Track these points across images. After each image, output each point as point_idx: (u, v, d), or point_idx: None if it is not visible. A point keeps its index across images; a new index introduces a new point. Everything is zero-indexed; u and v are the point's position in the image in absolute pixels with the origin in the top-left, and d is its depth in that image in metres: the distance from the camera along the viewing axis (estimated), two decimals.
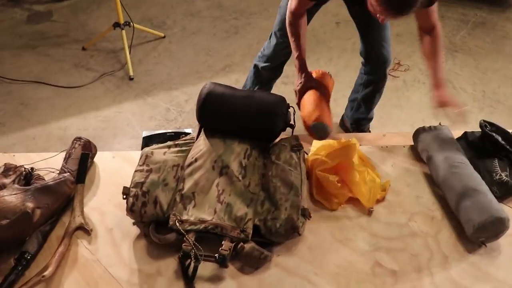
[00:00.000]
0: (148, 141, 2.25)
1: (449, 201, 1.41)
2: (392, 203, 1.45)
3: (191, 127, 2.36)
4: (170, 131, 2.32)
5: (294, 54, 1.83)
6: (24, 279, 1.19)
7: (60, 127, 2.61)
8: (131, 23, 3.17)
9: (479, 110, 2.75)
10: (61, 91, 2.92)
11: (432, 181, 1.52)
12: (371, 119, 2.49)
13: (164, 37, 3.48)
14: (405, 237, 1.35)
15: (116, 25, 3.10)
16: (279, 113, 1.44)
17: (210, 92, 1.44)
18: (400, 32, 3.46)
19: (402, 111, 2.64)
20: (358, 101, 2.39)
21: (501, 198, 1.41)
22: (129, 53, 3.09)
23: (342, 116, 2.64)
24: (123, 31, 3.08)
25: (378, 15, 1.49)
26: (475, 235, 1.29)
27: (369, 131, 2.52)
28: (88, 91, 2.89)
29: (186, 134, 2.27)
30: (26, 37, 3.53)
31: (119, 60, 3.20)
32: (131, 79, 2.99)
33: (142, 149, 1.46)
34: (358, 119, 2.47)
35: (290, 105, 1.50)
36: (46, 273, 1.17)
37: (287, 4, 1.83)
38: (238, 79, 3.02)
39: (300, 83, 1.77)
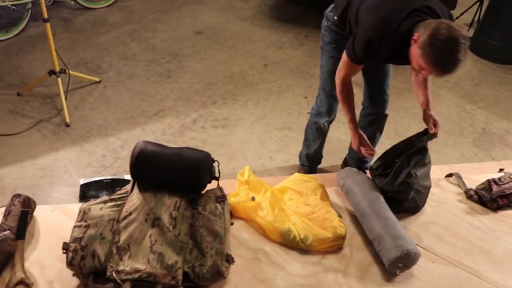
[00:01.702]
0: (85, 188, 2.33)
1: (368, 234, 1.65)
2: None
3: (126, 173, 2.47)
4: (107, 178, 2.42)
5: (347, 117, 2.11)
6: None
7: None
8: (67, 70, 3.24)
9: (390, 146, 3.05)
10: None
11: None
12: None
13: (99, 81, 3.57)
14: (318, 274, 1.54)
15: (52, 72, 3.17)
16: (203, 167, 1.60)
17: (141, 151, 1.59)
18: None
19: (324, 151, 2.87)
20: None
21: None
22: (65, 99, 3.16)
23: (345, 158, 2.87)
24: (59, 78, 3.15)
25: (422, 71, 1.71)
26: (391, 268, 1.52)
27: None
28: (24, 139, 2.92)
29: (123, 180, 2.38)
30: None
31: (55, 106, 3.25)
32: (67, 125, 3.05)
33: (80, 197, 1.56)
34: (361, 158, 2.64)
35: (214, 159, 1.67)
36: None
37: (327, 64, 2.15)
38: (171, 123, 3.16)
39: (358, 142, 2.12)
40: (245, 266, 1.53)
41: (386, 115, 2.52)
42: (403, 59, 1.78)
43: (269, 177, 2.40)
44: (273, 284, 1.49)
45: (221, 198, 1.61)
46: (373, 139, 2.61)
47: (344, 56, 1.94)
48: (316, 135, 2.60)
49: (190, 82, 3.63)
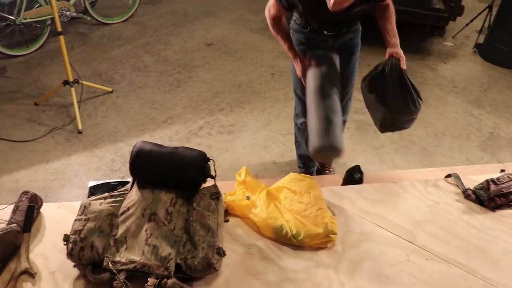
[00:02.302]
0: (93, 190, 2.41)
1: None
2: None
3: None
4: (114, 180, 2.50)
5: (284, 47, 2.20)
6: None
7: (12, 179, 2.76)
8: (80, 81, 3.38)
9: (394, 150, 3.09)
10: (14, 145, 3.08)
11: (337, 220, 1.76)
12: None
13: (112, 91, 3.70)
14: (309, 269, 1.58)
15: (66, 82, 3.31)
16: (199, 166, 1.68)
17: (139, 150, 1.67)
18: None
19: None
20: None
21: None
22: (79, 108, 3.30)
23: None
24: (72, 88, 3.29)
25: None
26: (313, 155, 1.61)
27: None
28: (39, 145, 3.06)
29: (129, 183, 2.45)
30: None
31: (69, 114, 3.39)
32: (80, 132, 3.18)
33: (87, 198, 1.65)
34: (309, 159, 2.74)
35: (209, 158, 1.74)
36: None
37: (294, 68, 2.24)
38: (178, 130, 3.26)
39: (301, 68, 2.15)
40: (238, 260, 1.58)
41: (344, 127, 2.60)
42: None
43: (269, 179, 2.45)
44: (264, 278, 1.54)
45: (215, 195, 1.67)
46: None
47: None
48: (301, 135, 2.66)
49: (198, 91, 3.73)
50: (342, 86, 2.41)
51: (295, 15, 2.29)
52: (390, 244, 1.69)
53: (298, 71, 2.17)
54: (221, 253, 1.51)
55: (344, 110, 2.53)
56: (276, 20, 2.16)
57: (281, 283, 1.53)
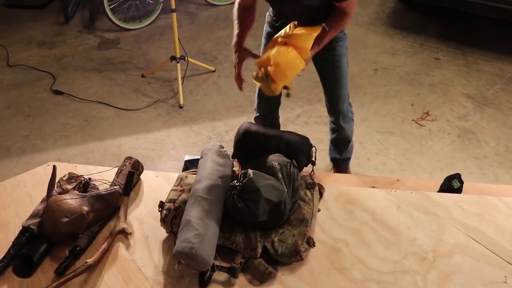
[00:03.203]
0: (189, 164, 2.50)
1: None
2: (390, 242, 1.63)
3: None
4: None
5: (235, 31, 2.02)
6: (73, 268, 1.48)
7: (115, 144, 2.94)
8: (186, 57, 3.51)
9: (498, 164, 2.85)
10: (120, 112, 3.28)
11: (430, 227, 1.69)
12: (345, 160, 2.65)
13: (214, 71, 3.81)
14: (397, 272, 1.52)
15: (173, 58, 3.46)
16: (303, 149, 1.68)
17: (246, 130, 1.70)
18: (433, 83, 3.62)
19: (422, 159, 2.79)
20: (330, 143, 2.63)
21: None
22: (182, 83, 3.43)
23: None
24: (178, 64, 3.42)
25: None
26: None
27: (349, 172, 2.70)
28: (142, 115, 3.24)
29: None
30: (95, 61, 3.97)
31: (172, 89, 3.55)
32: (181, 107, 3.31)
33: (182, 171, 1.72)
34: (334, 158, 2.67)
35: (313, 145, 1.73)
36: (88, 260, 1.44)
37: None
38: None
39: (236, 57, 1.99)
40: (325, 252, 1.56)
41: (342, 127, 2.42)
42: None
43: (361, 175, 2.39)
44: (349, 274, 1.50)
45: (311, 185, 1.66)
46: (338, 146, 2.56)
47: None
48: None
49: (298, 79, 3.71)
50: (325, 87, 2.32)
51: (270, 7, 2.19)
52: (486, 261, 1.57)
53: (234, 60, 2.02)
54: (310, 243, 1.49)
55: (343, 115, 2.39)
56: (241, 8, 2.02)
57: (366, 282, 1.49)
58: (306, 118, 3.25)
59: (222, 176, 1.57)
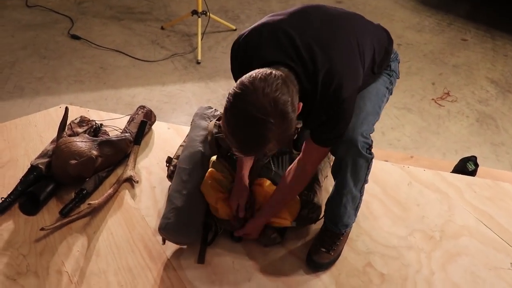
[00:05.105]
0: None
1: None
2: (398, 217, 1.62)
3: None
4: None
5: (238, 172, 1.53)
6: (78, 210, 1.48)
7: (129, 94, 2.92)
8: (208, 13, 3.44)
9: None
10: (136, 63, 3.24)
11: (440, 206, 1.67)
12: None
13: (235, 29, 3.72)
14: (401, 248, 1.52)
15: (194, 12, 3.38)
16: None
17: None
18: (457, 64, 3.52)
19: (438, 139, 2.74)
20: None
21: None
22: (201, 39, 3.36)
23: None
24: (199, 19, 3.35)
25: None
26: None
27: None
28: (159, 67, 3.19)
29: None
30: (115, 9, 3.91)
31: (191, 43, 3.48)
32: (198, 63, 3.26)
33: None
34: None
35: None
36: (92, 202, 1.44)
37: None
38: None
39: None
40: None
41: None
42: None
43: (377, 149, 2.30)
44: (353, 244, 1.50)
45: None
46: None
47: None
48: None
49: None
50: None
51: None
52: (493, 246, 1.55)
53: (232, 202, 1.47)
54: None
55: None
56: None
57: (369, 254, 1.48)
58: None
59: (204, 141, 1.52)
